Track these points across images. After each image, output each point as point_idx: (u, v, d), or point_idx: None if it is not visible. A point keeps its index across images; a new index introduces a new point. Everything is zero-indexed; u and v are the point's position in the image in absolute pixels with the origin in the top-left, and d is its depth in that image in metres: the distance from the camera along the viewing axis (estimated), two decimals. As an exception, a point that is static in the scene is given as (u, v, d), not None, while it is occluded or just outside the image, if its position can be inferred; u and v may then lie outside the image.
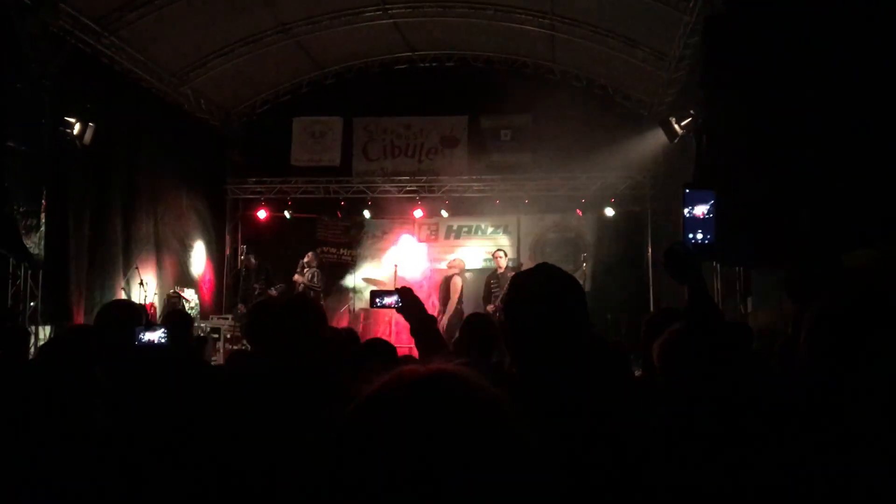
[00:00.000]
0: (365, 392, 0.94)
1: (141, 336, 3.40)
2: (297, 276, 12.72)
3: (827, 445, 1.42)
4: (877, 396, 1.42)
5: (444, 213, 13.79)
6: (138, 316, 3.65)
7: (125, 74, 11.22)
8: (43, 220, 8.85)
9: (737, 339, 2.04)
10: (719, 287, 9.54)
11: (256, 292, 12.50)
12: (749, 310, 8.79)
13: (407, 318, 3.11)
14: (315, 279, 12.72)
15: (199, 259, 13.57)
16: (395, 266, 12.94)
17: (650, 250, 13.35)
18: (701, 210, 2.08)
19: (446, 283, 12.00)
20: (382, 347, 3.68)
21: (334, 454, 0.90)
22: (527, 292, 2.00)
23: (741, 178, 6.32)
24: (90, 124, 9.65)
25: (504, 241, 13.92)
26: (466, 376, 0.95)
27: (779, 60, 6.17)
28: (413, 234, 14.20)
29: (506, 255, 11.99)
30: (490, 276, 11.70)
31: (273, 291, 12.39)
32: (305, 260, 12.90)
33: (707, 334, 1.99)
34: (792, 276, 3.31)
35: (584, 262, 12.70)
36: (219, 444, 2.18)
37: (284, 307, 3.28)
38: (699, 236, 2.08)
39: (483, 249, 13.81)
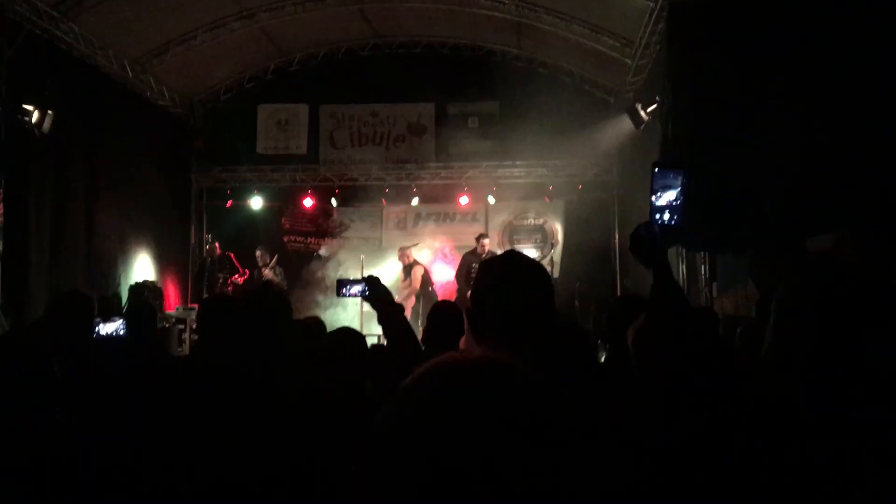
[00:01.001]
0: (408, 382, 0.93)
1: (98, 328, 3.32)
2: (266, 272, 12.60)
3: (804, 434, 1.43)
4: (855, 384, 1.43)
5: (413, 201, 13.75)
6: (90, 307, 3.55)
7: (84, 61, 10.97)
8: (1, 211, 8.64)
9: (702, 326, 2.02)
10: (684, 272, 9.64)
11: (220, 281, 12.38)
12: (714, 295, 8.89)
13: (374, 307, 3.08)
14: (280, 276, 12.67)
15: (163, 249, 13.36)
16: (363, 257, 12.90)
17: (617, 237, 13.45)
18: (669, 190, 2.02)
19: (407, 272, 12.17)
20: (351, 336, 3.64)
21: (382, 445, 0.89)
22: (495, 278, 1.99)
23: (706, 164, 6.37)
24: (49, 112, 9.43)
25: (473, 228, 13.94)
26: (515, 365, 0.94)
27: (743, 46, 6.22)
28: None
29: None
30: (472, 261, 11.60)
31: (238, 279, 12.27)
32: (262, 259, 12.73)
33: (673, 320, 1.97)
34: (756, 263, 3.33)
35: (552, 248, 12.75)
36: (182, 439, 2.14)
37: (248, 299, 3.24)
38: (666, 217, 2.02)
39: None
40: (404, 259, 12.61)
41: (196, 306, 11.71)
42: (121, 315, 4.03)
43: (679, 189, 2.01)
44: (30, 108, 9.31)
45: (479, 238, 12.08)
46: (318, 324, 4.92)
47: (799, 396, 1.48)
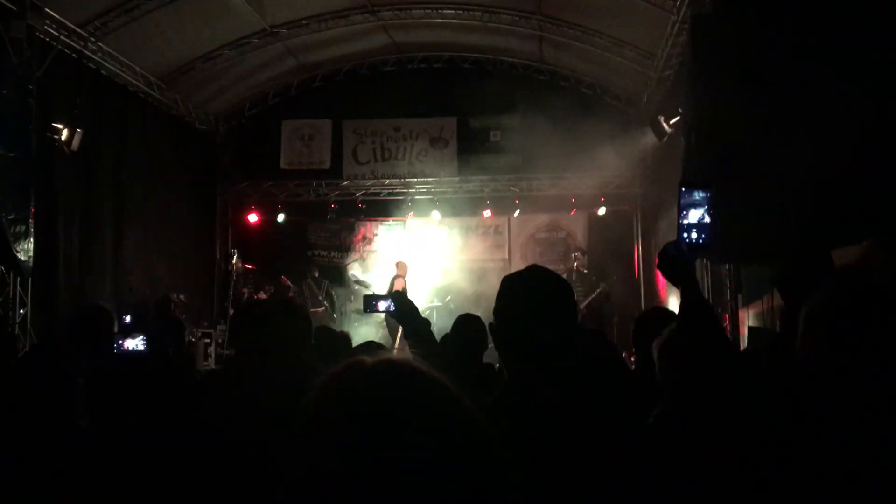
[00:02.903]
0: (319, 383, 0.96)
1: (120, 343, 3.33)
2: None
3: (832, 441, 1.42)
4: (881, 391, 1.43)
5: (435, 215, 13.79)
6: (110, 321, 3.55)
7: (112, 79, 11.15)
8: (32, 228, 8.77)
9: (728, 342, 2.01)
10: (709, 284, 9.57)
11: (245, 296, 12.47)
12: (740, 306, 8.82)
13: (400, 323, 3.10)
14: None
15: (189, 263, 13.48)
16: (393, 275, 12.98)
17: (640, 249, 13.38)
18: (696, 209, 2.02)
19: (390, 285, 12.32)
20: (376, 350, 3.66)
21: (295, 443, 0.93)
22: (517, 294, 2.00)
23: (730, 176, 6.33)
24: (78, 130, 9.59)
25: (495, 241, 13.97)
26: (416, 365, 0.97)
27: (767, 58, 6.19)
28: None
29: (582, 254, 12.26)
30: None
31: (262, 295, 12.36)
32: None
33: (703, 335, 1.96)
34: (782, 274, 3.31)
35: (574, 261, 12.71)
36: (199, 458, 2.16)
37: (270, 313, 3.25)
38: (693, 235, 2.03)
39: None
40: (402, 270, 12.89)
41: (223, 321, 11.87)
42: (141, 330, 4.00)
43: (706, 207, 2.02)
44: (59, 126, 9.48)
45: (571, 253, 12.32)
46: (345, 337, 4.96)
47: (826, 405, 1.48)
